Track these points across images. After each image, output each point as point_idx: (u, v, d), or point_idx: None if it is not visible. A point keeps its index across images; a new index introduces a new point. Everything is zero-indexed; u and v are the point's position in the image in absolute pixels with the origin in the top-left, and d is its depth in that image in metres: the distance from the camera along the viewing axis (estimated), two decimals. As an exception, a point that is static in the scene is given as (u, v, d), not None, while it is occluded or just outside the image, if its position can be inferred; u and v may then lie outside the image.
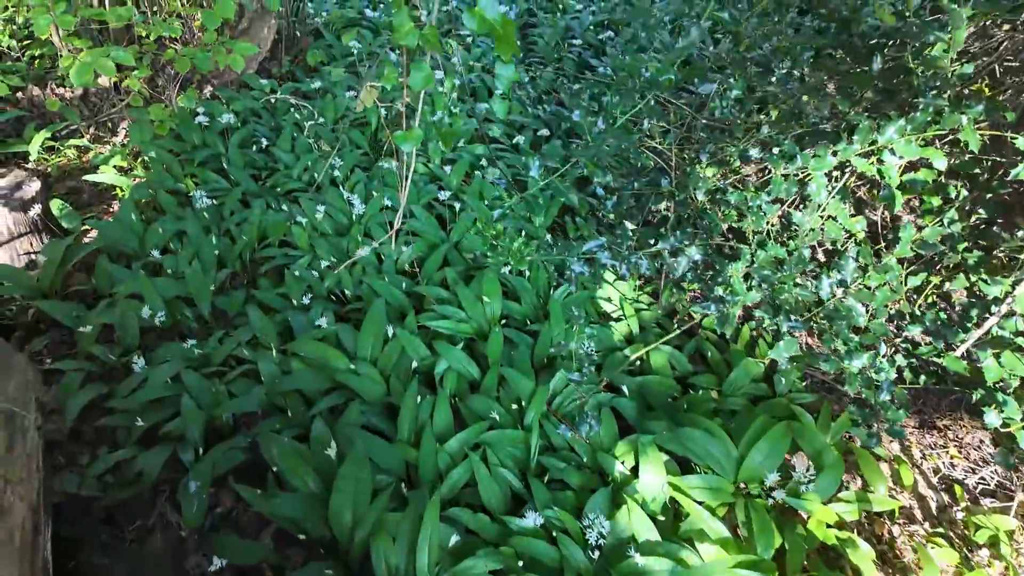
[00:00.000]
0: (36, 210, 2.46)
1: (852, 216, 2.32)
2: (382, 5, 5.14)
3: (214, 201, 2.72)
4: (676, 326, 2.58)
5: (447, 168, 3.18)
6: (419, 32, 1.47)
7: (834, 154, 2.02)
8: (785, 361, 2.06)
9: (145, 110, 3.17)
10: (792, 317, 2.09)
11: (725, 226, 2.45)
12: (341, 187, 3.06)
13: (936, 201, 2.11)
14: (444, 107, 2.06)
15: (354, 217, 2.79)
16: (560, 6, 5.47)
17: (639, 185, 2.54)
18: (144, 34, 3.15)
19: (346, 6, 5.02)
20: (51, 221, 2.63)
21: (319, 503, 1.68)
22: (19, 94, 3.59)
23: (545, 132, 3.62)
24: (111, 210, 2.99)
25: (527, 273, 2.61)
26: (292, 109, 3.56)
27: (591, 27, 5.16)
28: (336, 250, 2.69)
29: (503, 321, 2.44)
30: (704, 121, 2.59)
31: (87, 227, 2.69)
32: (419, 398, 2.00)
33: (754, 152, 2.45)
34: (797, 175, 2.09)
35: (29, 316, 2.32)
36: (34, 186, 2.56)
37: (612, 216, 2.56)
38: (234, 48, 2.97)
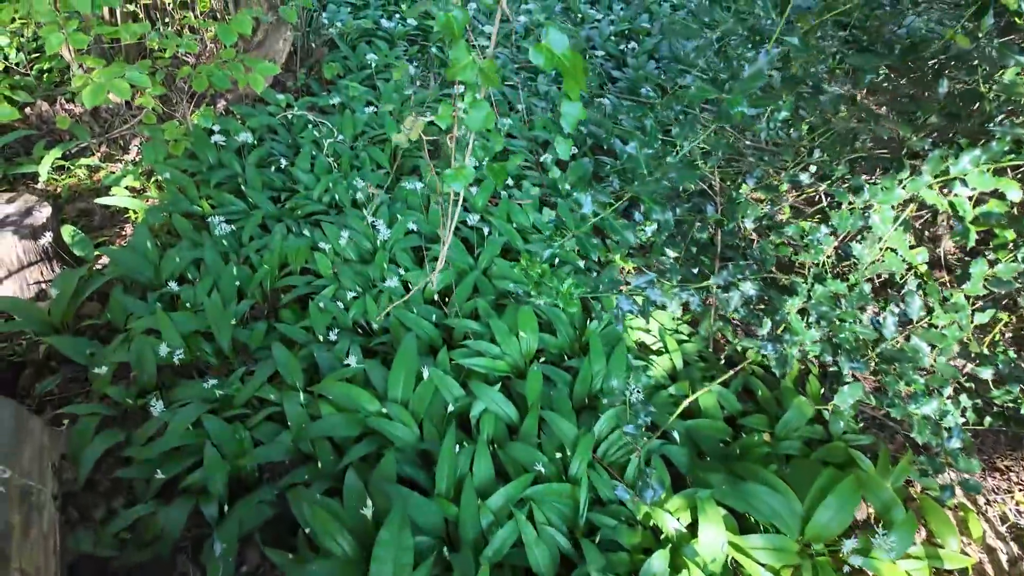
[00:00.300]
0: (47, 238, 2.34)
1: (912, 247, 2.19)
2: (397, 15, 5.02)
3: (232, 226, 2.59)
4: (721, 360, 2.45)
5: (473, 188, 3.05)
6: (478, 67, 1.34)
7: (901, 185, 1.89)
8: (848, 407, 1.93)
9: (159, 128, 3.04)
10: (854, 358, 1.95)
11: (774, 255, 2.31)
12: (363, 209, 2.93)
13: (1010, 235, 1.97)
14: (500, 142, 1.92)
15: (379, 243, 2.66)
16: (579, 16, 5.35)
17: (681, 211, 2.40)
18: (156, 46, 3.03)
19: (360, 15, 4.90)
20: (62, 248, 2.50)
21: (356, 570, 1.55)
22: (28, 109, 3.47)
23: (573, 150, 3.48)
24: (124, 233, 2.86)
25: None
26: (310, 126, 3.44)
27: (611, 36, 5.04)
28: (361, 278, 2.56)
29: (539, 355, 2.31)
30: (749, 143, 2.46)
31: (100, 253, 2.56)
32: (457, 446, 1.87)
33: (804, 177, 2.32)
34: (861, 207, 1.95)
35: (40, 352, 2.19)
36: (44, 212, 2.44)
37: (653, 243, 2.42)
38: (254, 67, 2.85)
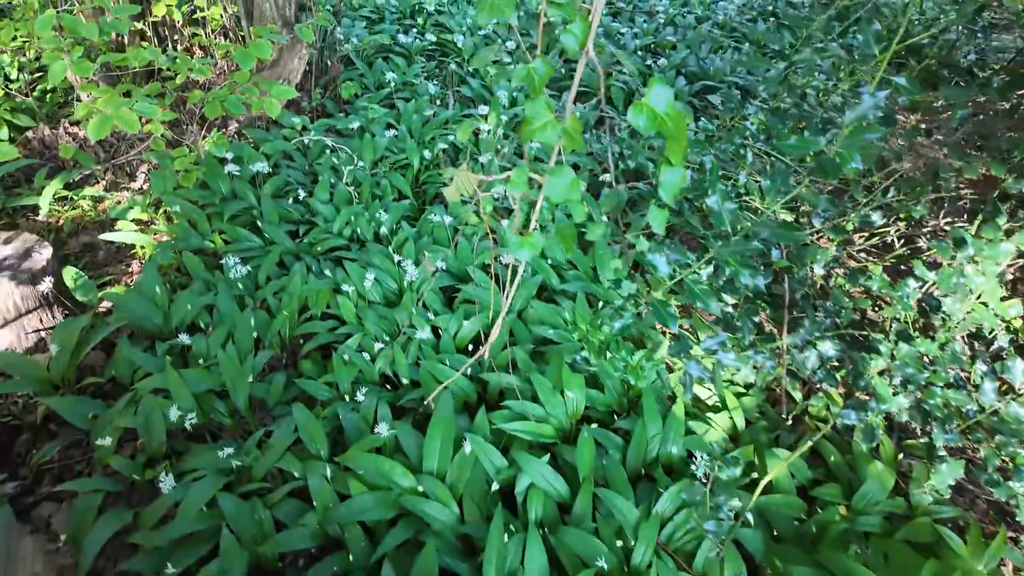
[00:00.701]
0: (47, 284, 2.14)
1: (1003, 299, 1.97)
2: (414, 29, 4.83)
3: (247, 267, 2.38)
4: (784, 417, 2.23)
5: (504, 222, 2.84)
6: (561, 127, 1.13)
7: (1008, 238, 1.67)
8: (946, 488, 1.71)
9: (167, 154, 2.85)
10: (949, 429, 1.73)
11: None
12: (387, 245, 2.73)
13: None
14: (582, 213, 1.71)
15: (406, 283, 2.46)
16: (602, 29, 5.14)
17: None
18: (165, 67, 2.84)
19: (376, 29, 4.71)
20: (63, 292, 2.30)
21: None
22: (30, 133, 3.29)
23: (607, 176, 3.27)
24: (130, 269, 2.67)
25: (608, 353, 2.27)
26: (328, 151, 3.24)
27: (637, 51, 4.84)
28: (387, 323, 2.35)
29: (585, 413, 2.10)
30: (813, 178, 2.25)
31: (103, 294, 2.36)
32: (505, 535, 1.65)
33: (876, 217, 2.10)
34: (963, 261, 1.73)
35: (38, 414, 1.99)
36: (45, 253, 2.24)
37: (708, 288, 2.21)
38: (270, 89, 2.66)
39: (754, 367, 1.76)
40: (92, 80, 2.94)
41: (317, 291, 2.39)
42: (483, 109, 3.63)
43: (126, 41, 3.27)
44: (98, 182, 3.05)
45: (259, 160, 3.00)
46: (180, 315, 2.26)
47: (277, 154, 3.16)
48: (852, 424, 1.77)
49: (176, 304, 2.28)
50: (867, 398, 1.79)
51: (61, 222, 2.82)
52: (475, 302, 2.45)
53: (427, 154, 3.31)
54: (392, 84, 3.87)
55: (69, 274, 2.31)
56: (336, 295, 2.42)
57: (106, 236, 2.57)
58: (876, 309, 2.03)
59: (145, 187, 3.10)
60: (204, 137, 2.93)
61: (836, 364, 1.95)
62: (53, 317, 2.27)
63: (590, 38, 1.08)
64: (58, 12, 2.35)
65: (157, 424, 1.87)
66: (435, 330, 2.37)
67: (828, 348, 1.81)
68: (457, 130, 1.66)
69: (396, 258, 2.54)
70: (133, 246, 2.70)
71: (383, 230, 2.77)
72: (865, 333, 2.03)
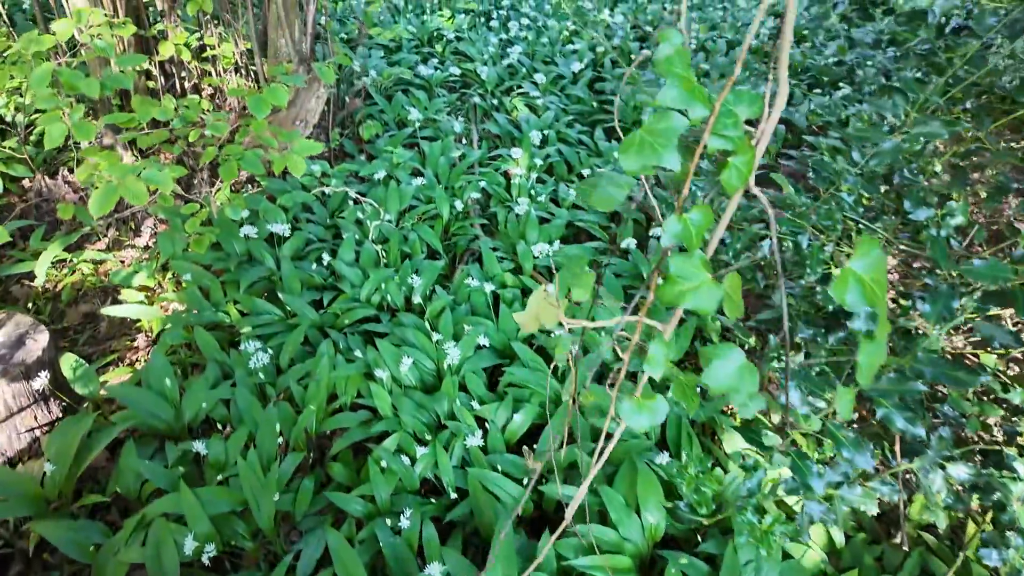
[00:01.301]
0: (43, 380, 1.87)
1: None
2: (432, 58, 4.58)
3: (268, 353, 2.11)
4: (892, 535, 1.95)
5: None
6: (720, 288, 0.86)
7: None
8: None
9: (176, 210, 2.59)
10: (1111, 574, 1.46)
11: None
12: (421, 315, 2.46)
13: None
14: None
15: (445, 365, 2.18)
16: (631, 56, 4.90)
17: (835, 340, 1.92)
18: (175, 120, 2.57)
19: (393, 60, 4.46)
20: (60, 382, 2.03)
21: None
22: (26, 182, 3.03)
23: (657, 231, 2.99)
24: (135, 345, 2.40)
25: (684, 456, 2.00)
26: (351, 201, 2.98)
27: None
28: (425, 412, 2.08)
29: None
30: (918, 253, 1.98)
31: (107, 388, 2.09)
32: None
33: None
34: None
35: (30, 541, 1.71)
36: (40, 340, 1.97)
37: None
38: (291, 140, 2.40)
39: (879, 499, 1.49)
40: (94, 143, 2.68)
41: (347, 377, 2.12)
42: (515, 151, 3.37)
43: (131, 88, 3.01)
44: (99, 239, 2.78)
45: (276, 215, 2.74)
46: (193, 409, 1.99)
47: (296, 207, 2.89)
48: (993, 565, 1.50)
49: (188, 397, 2.00)
50: (1009, 533, 1.52)
51: (59, 287, 2.55)
52: (519, 385, 2.18)
53: (458, 204, 3.04)
54: (416, 124, 3.61)
55: (67, 362, 2.03)
56: (368, 379, 2.15)
57: (109, 311, 2.30)
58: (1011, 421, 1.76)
59: (151, 244, 2.84)
60: (216, 190, 2.66)
61: (967, 487, 1.67)
62: (49, 412, 2.00)
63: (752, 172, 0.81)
64: (57, 63, 2.10)
65: (169, 558, 1.60)
66: (480, 421, 2.09)
67: (961, 472, 1.53)
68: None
69: (434, 336, 2.26)
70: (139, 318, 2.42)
71: (415, 297, 2.50)
72: (983, 441, 1.75)
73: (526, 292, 2.71)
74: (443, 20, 5.06)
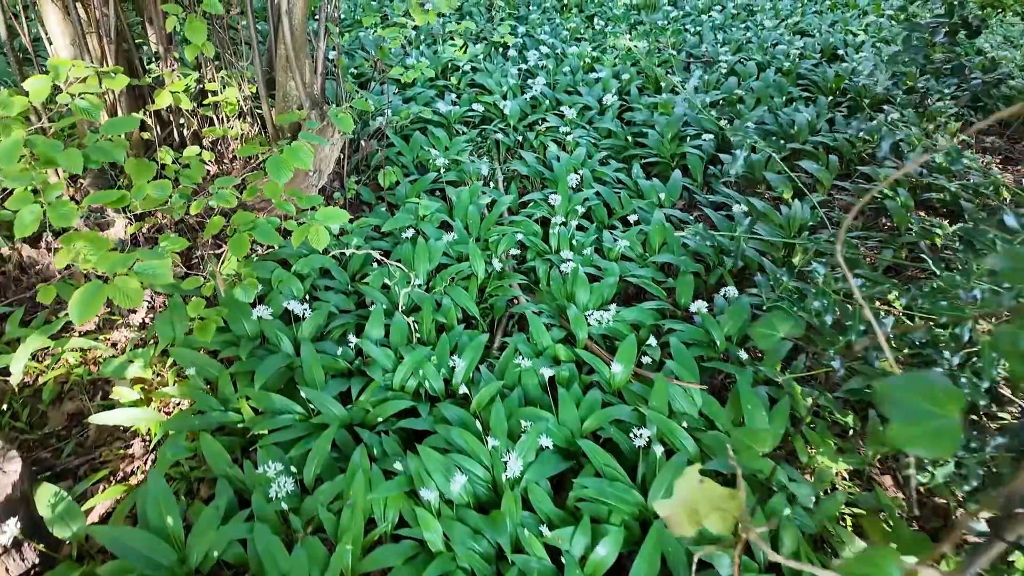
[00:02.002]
0: (12, 528, 1.49)
1: None
2: (449, 93, 4.25)
3: (291, 474, 1.74)
4: None
5: (635, 386, 2.21)
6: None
7: None
8: None
9: (176, 284, 2.24)
10: None
11: None
12: (465, 402, 2.09)
13: None
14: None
15: (504, 478, 1.81)
16: (661, 84, 4.58)
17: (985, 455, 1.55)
18: (178, 211, 2.22)
19: (408, 95, 4.13)
20: (36, 518, 1.66)
21: None
22: (5, 250, 2.67)
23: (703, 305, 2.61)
24: (130, 452, 2.02)
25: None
26: (374, 264, 2.62)
27: (706, 108, 4.25)
28: (484, 541, 1.70)
29: None
30: None
31: (92, 530, 1.71)
32: None
33: None
34: None
35: None
36: (11, 470, 1.60)
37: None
38: (310, 206, 2.06)
39: None
40: (75, 228, 2.34)
41: (386, 498, 1.75)
42: (552, 197, 3.03)
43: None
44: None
45: (292, 285, 2.38)
46: (201, 551, 1.61)
47: (313, 273, 2.54)
48: None
49: (195, 535, 1.63)
50: None
51: (40, 381, 2.18)
52: (599, 500, 1.80)
53: (496, 263, 2.69)
54: (439, 168, 3.27)
55: (45, 496, 1.66)
56: (411, 497, 1.78)
57: (97, 419, 1.92)
58: None
59: (149, 321, 2.48)
60: (223, 262, 2.31)
61: None
62: (23, 559, 1.62)
63: None
64: (34, 128, 1.76)
65: None
66: (551, 551, 1.71)
67: None
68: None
69: (489, 441, 1.88)
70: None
71: (457, 378, 2.14)
72: None
73: (582, 365, 2.35)
74: (456, 51, 4.75)
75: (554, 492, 1.90)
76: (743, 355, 2.32)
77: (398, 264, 2.49)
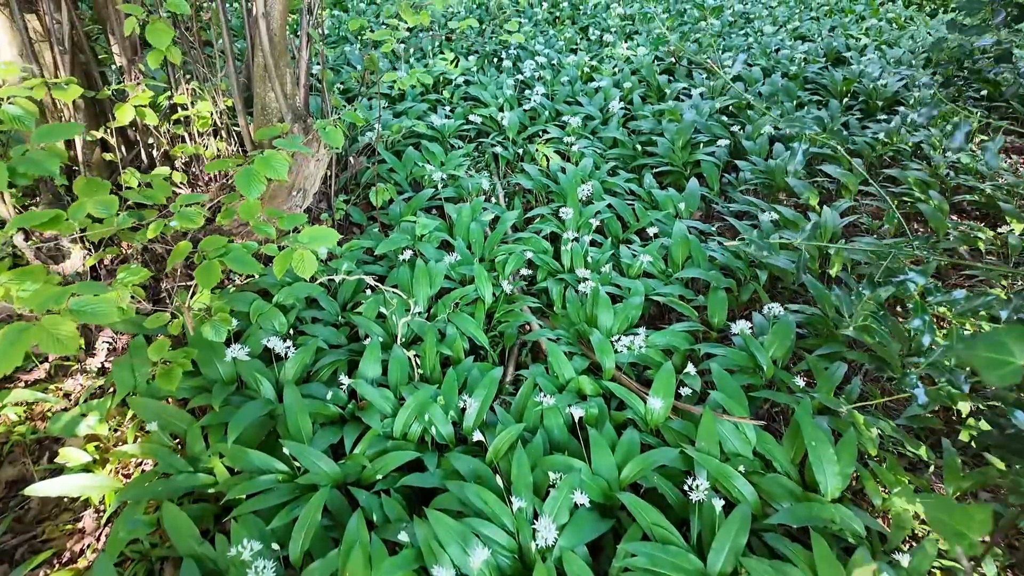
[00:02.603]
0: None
1: None
2: (440, 105, 3.99)
3: (273, 556, 1.41)
4: None
5: (676, 423, 1.90)
6: None
7: None
8: None
9: (139, 319, 1.94)
10: None
11: None
12: (479, 450, 1.78)
13: None
14: None
15: (533, 547, 1.49)
16: (664, 91, 4.34)
17: None
18: (135, 184, 1.92)
19: (399, 109, 3.87)
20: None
21: None
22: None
23: (746, 325, 2.33)
24: (80, 527, 1.69)
25: None
26: (367, 290, 2.32)
27: (713, 113, 4.01)
28: (513, 629, 1.37)
29: None
30: None
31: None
32: None
33: None
34: None
35: None
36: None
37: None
38: (295, 225, 1.76)
39: None
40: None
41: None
42: (564, 211, 2.75)
43: (79, 158, 2.37)
44: (36, 365, 2.09)
45: (274, 319, 2.07)
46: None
47: (298, 304, 2.23)
48: None
49: (151, 640, 1.29)
50: None
51: (-23, 443, 1.85)
52: (651, 571, 1.48)
53: (505, 285, 2.39)
54: (436, 184, 2.99)
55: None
56: None
57: (37, 489, 1.59)
58: None
59: (107, 365, 2.15)
60: (193, 295, 1.99)
61: None
62: None
63: None
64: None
65: None
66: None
67: None
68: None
69: (514, 503, 1.56)
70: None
71: (468, 421, 1.83)
72: None
73: (610, 399, 2.04)
74: (447, 64, 4.51)
75: (592, 557, 1.58)
76: (799, 382, 2.02)
77: (394, 290, 2.18)
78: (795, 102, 4.26)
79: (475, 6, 6.24)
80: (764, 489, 1.71)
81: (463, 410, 1.88)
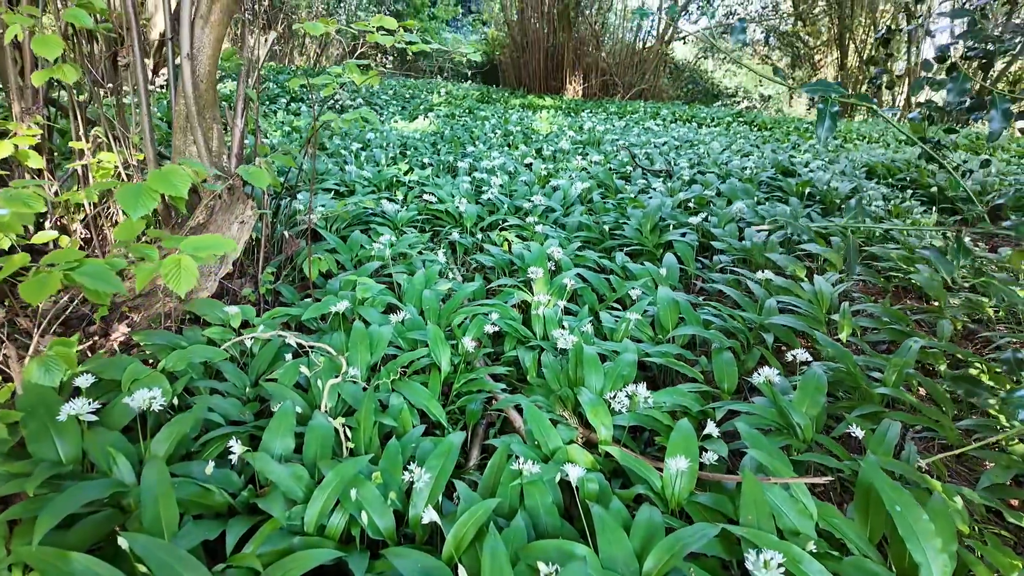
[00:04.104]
0: None
1: None
2: (395, 203, 3.74)
3: None
4: None
5: (702, 498, 1.39)
6: None
7: None
8: None
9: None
10: None
11: None
12: (431, 545, 1.20)
13: None
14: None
15: None
16: (621, 193, 4.23)
17: None
18: None
19: (348, 202, 3.58)
20: None
21: None
22: None
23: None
24: None
25: None
26: (288, 356, 1.81)
27: (674, 208, 3.87)
28: None
29: None
30: None
31: None
32: None
33: None
34: None
35: None
36: None
37: None
38: (179, 246, 1.32)
39: None
40: None
41: None
42: (532, 271, 2.38)
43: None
44: None
45: (154, 385, 1.52)
46: None
47: (192, 372, 1.69)
48: None
49: None
50: None
51: None
52: None
53: (469, 344, 1.92)
54: (384, 255, 2.61)
55: None
56: None
57: None
58: None
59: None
60: (39, 349, 1.45)
61: None
62: None
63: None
64: None
65: None
66: None
67: None
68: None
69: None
70: None
71: (418, 509, 1.26)
72: None
73: (611, 478, 1.51)
74: (401, 171, 4.36)
75: None
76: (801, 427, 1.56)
77: (321, 345, 1.69)
78: (755, 199, 4.21)
79: (431, 134, 6.36)
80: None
81: (410, 490, 1.32)
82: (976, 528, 1.53)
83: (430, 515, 1.14)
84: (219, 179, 2.26)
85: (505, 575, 1.06)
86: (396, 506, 1.31)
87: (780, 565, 1.05)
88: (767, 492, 1.31)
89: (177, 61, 2.23)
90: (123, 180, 2.31)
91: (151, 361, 1.74)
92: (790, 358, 1.83)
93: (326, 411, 1.56)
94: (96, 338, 1.97)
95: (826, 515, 1.33)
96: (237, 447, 1.29)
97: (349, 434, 1.49)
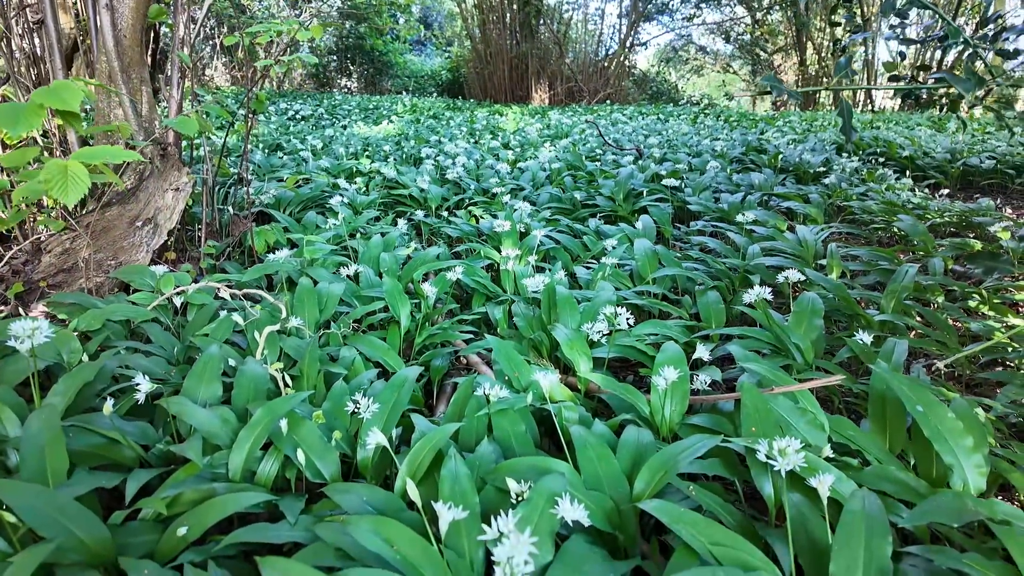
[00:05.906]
0: None
1: None
2: (354, 181, 3.56)
3: None
4: None
5: (698, 419, 1.22)
6: None
7: None
8: None
9: None
10: None
11: None
12: (383, 483, 1.00)
13: None
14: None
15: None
16: (592, 175, 4.09)
17: None
18: None
19: (303, 191, 3.38)
20: None
21: None
22: None
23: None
24: None
25: None
26: (224, 312, 1.60)
27: (647, 182, 3.75)
28: None
29: None
30: None
31: None
32: None
33: None
34: None
35: None
36: None
37: None
38: (72, 155, 1.12)
39: None
40: None
41: None
42: (497, 223, 2.21)
43: None
44: None
45: (62, 348, 1.31)
46: None
47: (109, 332, 1.47)
48: None
49: None
50: None
51: None
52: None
53: (429, 291, 1.73)
54: (342, 227, 2.42)
55: None
56: None
57: None
58: None
59: None
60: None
61: None
62: None
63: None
64: None
65: None
66: None
67: None
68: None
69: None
70: None
71: (366, 445, 1.06)
72: None
73: (596, 416, 1.32)
74: (362, 164, 4.18)
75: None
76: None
77: (259, 291, 1.49)
78: (728, 171, 4.11)
79: (395, 135, 6.21)
80: (869, 488, 1.00)
81: (356, 435, 1.12)
82: (999, 445, 1.38)
83: (375, 437, 0.94)
84: (152, 144, 2.06)
85: (468, 498, 0.87)
86: (343, 449, 1.11)
87: (799, 452, 0.88)
88: (771, 403, 1.14)
89: (96, 16, 2.05)
90: (43, 152, 2.09)
91: (55, 318, 1.52)
92: (781, 279, 1.67)
93: (261, 357, 1.36)
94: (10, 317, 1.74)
95: (839, 427, 1.16)
96: (145, 383, 1.08)
97: (289, 381, 1.29)
